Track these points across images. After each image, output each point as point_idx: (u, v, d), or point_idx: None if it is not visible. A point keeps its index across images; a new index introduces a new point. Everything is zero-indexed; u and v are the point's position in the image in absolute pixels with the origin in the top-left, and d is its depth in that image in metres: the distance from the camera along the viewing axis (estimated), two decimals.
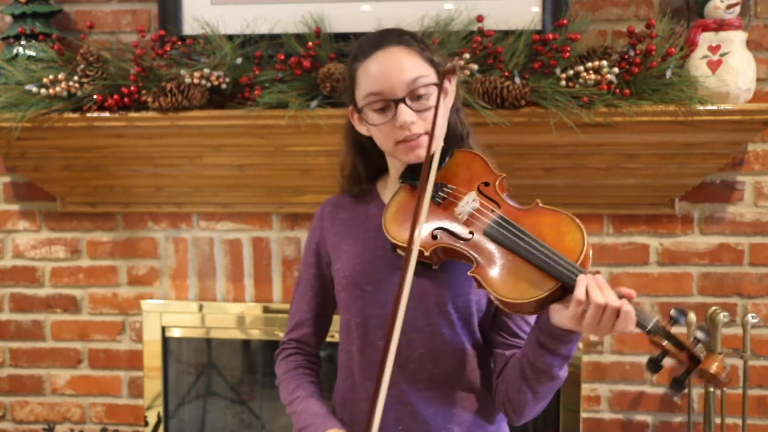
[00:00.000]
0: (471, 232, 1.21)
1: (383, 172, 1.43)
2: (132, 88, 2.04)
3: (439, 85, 1.26)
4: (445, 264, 1.26)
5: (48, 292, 2.37)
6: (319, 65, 1.98)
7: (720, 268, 2.13)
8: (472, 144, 1.39)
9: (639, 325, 1.09)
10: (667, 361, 1.10)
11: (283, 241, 2.25)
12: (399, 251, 1.28)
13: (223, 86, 2.02)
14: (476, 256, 1.18)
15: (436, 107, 1.23)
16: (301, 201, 2.18)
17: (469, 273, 1.17)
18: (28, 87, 2.04)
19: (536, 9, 2.02)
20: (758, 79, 1.98)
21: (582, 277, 1.08)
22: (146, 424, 2.32)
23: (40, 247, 2.36)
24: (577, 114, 1.87)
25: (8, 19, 2.21)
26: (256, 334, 2.29)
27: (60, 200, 2.30)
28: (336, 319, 1.46)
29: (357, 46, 1.33)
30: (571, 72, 1.89)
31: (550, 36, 1.93)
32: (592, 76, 1.87)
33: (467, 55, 1.92)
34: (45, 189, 2.28)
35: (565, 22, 1.94)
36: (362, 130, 1.34)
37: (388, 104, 1.26)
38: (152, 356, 2.31)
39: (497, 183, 1.28)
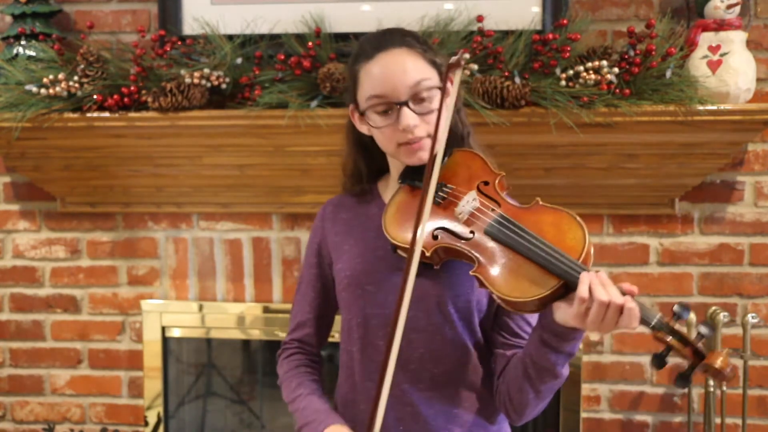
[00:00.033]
0: (472, 232, 1.21)
1: (385, 172, 1.43)
2: (132, 88, 2.04)
3: (442, 89, 1.26)
4: (445, 264, 1.26)
5: (48, 292, 2.37)
6: (319, 65, 1.98)
7: (720, 268, 2.13)
8: (472, 144, 1.39)
9: (643, 321, 1.09)
10: (672, 358, 1.10)
11: (283, 241, 2.25)
12: (399, 252, 1.28)
13: (223, 86, 2.02)
14: (478, 255, 1.18)
15: (440, 110, 1.22)
16: (301, 201, 2.18)
17: (471, 272, 1.17)
18: (28, 87, 2.04)
19: (536, 9, 2.02)
20: (758, 79, 1.98)
21: (585, 275, 1.09)
22: (146, 424, 2.32)
23: (40, 247, 2.36)
24: (577, 114, 1.87)
25: (8, 19, 2.21)
26: (256, 334, 2.29)
27: (60, 200, 2.30)
28: (337, 320, 1.46)
29: (359, 46, 1.33)
30: (571, 72, 1.89)
31: (550, 36, 1.93)
32: (592, 76, 1.87)
33: (467, 55, 1.92)
34: (45, 189, 2.28)
35: (565, 22, 1.94)
36: (363, 129, 1.34)
37: (390, 107, 1.25)
38: (152, 356, 2.31)
39: (497, 182, 1.28)
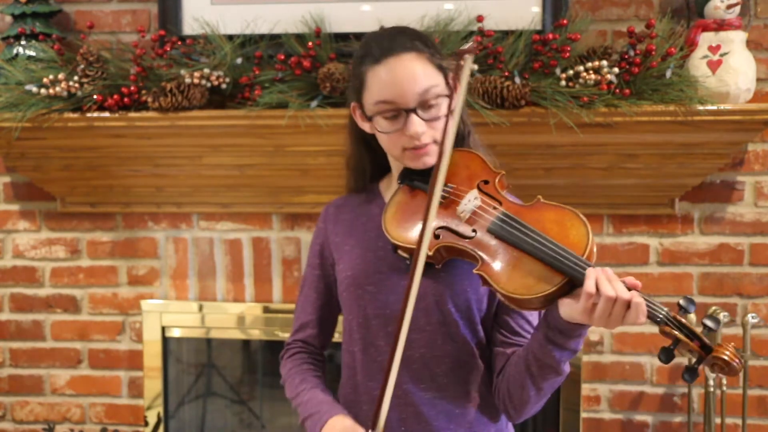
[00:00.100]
0: (474, 230, 1.21)
1: (386, 170, 1.43)
2: (132, 88, 2.04)
3: (450, 96, 1.25)
4: (444, 263, 1.26)
5: (48, 292, 2.37)
6: (319, 65, 1.98)
7: (720, 268, 2.13)
8: (471, 143, 1.38)
9: (650, 316, 1.09)
10: (678, 352, 1.10)
11: (283, 241, 2.25)
12: (400, 252, 1.28)
13: (223, 86, 2.02)
14: (481, 253, 1.18)
15: (448, 114, 1.21)
16: (301, 201, 2.18)
17: (474, 271, 1.18)
18: (28, 87, 2.04)
19: (536, 9, 2.02)
20: (758, 79, 1.98)
21: (591, 270, 1.09)
22: (146, 424, 2.32)
23: (40, 247, 2.36)
24: (577, 114, 1.87)
25: (8, 19, 2.21)
26: (256, 334, 2.29)
27: (60, 200, 2.30)
28: (339, 320, 1.46)
29: (365, 46, 1.31)
30: (571, 72, 1.89)
31: (550, 36, 1.93)
32: (592, 76, 1.87)
33: (467, 55, 1.92)
34: (45, 189, 2.28)
35: (565, 22, 1.94)
36: (365, 127, 1.34)
37: (398, 112, 1.25)
38: (152, 356, 2.31)
39: (497, 180, 1.28)
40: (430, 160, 1.28)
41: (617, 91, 1.89)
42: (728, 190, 2.10)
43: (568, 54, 1.91)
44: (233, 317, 2.27)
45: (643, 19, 2.02)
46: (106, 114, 2.05)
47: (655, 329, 1.13)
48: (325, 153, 2.05)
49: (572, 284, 1.12)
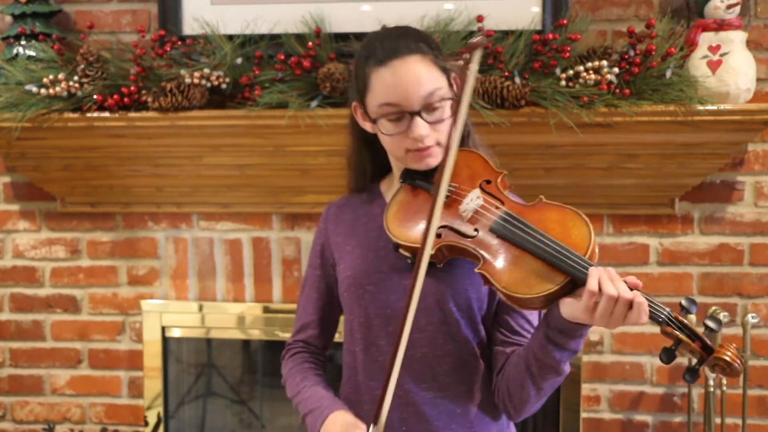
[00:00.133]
0: (476, 229, 1.22)
1: (387, 169, 1.43)
2: (132, 88, 2.04)
3: (456, 99, 1.25)
4: (445, 262, 1.26)
5: (48, 292, 2.37)
6: (319, 65, 1.98)
7: (720, 268, 2.13)
8: (470, 143, 1.38)
9: (652, 316, 1.09)
10: (680, 352, 1.09)
11: (283, 241, 2.25)
12: (401, 251, 1.28)
13: (223, 86, 2.02)
14: (482, 253, 1.18)
15: (454, 115, 1.21)
16: (301, 201, 2.18)
17: (476, 270, 1.18)
18: (28, 87, 2.04)
19: (536, 9, 2.02)
20: (758, 79, 1.98)
21: (594, 269, 1.09)
22: (146, 424, 2.32)
23: (40, 247, 2.36)
24: (577, 114, 1.87)
25: (8, 19, 2.21)
26: (256, 334, 2.29)
27: (60, 200, 2.30)
28: (341, 320, 1.46)
29: (369, 46, 1.30)
30: (571, 72, 1.89)
31: (550, 36, 1.93)
32: (592, 76, 1.87)
33: (467, 55, 1.92)
34: (45, 189, 2.28)
35: (565, 22, 1.94)
36: (366, 126, 1.34)
37: (402, 115, 1.25)
38: (152, 356, 2.31)
39: (499, 180, 1.28)
40: (433, 161, 1.28)
41: (617, 91, 1.89)
42: (728, 190, 2.10)
43: (568, 54, 1.91)
44: (233, 317, 2.27)
45: (643, 19, 2.02)
46: (106, 114, 2.05)
47: (655, 329, 1.13)
48: (325, 153, 2.05)
49: (574, 284, 1.12)
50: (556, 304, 1.14)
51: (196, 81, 1.99)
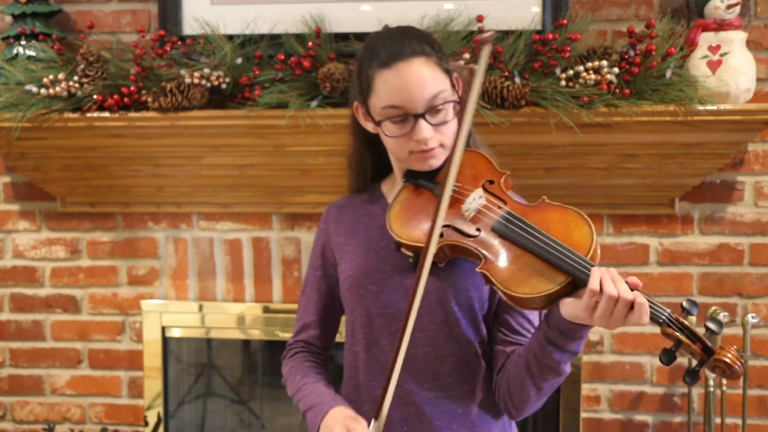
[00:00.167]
0: (478, 229, 1.22)
1: (388, 170, 1.43)
2: (132, 88, 2.04)
3: (460, 102, 1.24)
4: (447, 262, 1.27)
5: (48, 292, 2.37)
6: (319, 65, 1.98)
7: (720, 268, 2.13)
8: (472, 144, 1.39)
9: (653, 317, 1.08)
10: (680, 353, 1.09)
11: (283, 241, 2.25)
12: (403, 250, 1.28)
13: (223, 86, 2.02)
14: (484, 252, 1.19)
15: (461, 115, 1.20)
16: (301, 201, 2.18)
17: (477, 269, 1.18)
18: (28, 87, 2.04)
19: (536, 9, 2.02)
20: (758, 79, 1.98)
21: (596, 269, 1.09)
22: (146, 424, 2.32)
23: (40, 247, 2.36)
24: (577, 114, 1.87)
25: (8, 19, 2.21)
26: (256, 334, 2.29)
27: (60, 200, 2.30)
28: (343, 321, 1.46)
29: (372, 47, 1.29)
30: (571, 72, 1.89)
31: (550, 36, 1.93)
32: (592, 76, 1.87)
33: (467, 55, 1.92)
34: (45, 189, 2.28)
35: (565, 22, 1.94)
36: (368, 126, 1.34)
37: (406, 117, 1.25)
38: (152, 356, 2.31)
39: (502, 180, 1.28)
40: (436, 162, 1.28)
41: (617, 91, 1.89)
42: (728, 190, 2.10)
43: (568, 54, 1.91)
44: (233, 317, 2.27)
45: (643, 19, 2.02)
46: (106, 114, 2.05)
47: (655, 329, 1.12)
48: (325, 153, 2.05)
49: (575, 284, 1.12)
50: (557, 304, 1.14)
51: (196, 81, 1.99)
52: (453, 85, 1.29)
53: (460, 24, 1.98)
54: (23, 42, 2.13)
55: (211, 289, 2.29)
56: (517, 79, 1.90)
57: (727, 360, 1.06)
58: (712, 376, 2.03)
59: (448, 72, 1.28)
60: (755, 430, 2.15)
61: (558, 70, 1.91)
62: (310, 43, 1.99)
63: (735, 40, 1.91)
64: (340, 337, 1.48)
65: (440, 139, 1.27)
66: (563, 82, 1.89)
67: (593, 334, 2.18)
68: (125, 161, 2.16)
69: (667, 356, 1.09)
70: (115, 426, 2.38)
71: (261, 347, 2.43)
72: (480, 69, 1.17)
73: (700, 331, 1.09)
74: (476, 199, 1.25)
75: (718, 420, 2.08)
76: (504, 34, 1.96)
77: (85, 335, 2.37)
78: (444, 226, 1.24)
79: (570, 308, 1.12)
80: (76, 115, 2.06)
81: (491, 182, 1.28)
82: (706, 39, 1.93)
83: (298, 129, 1.98)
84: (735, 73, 1.89)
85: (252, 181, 2.16)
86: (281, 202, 2.20)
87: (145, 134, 2.08)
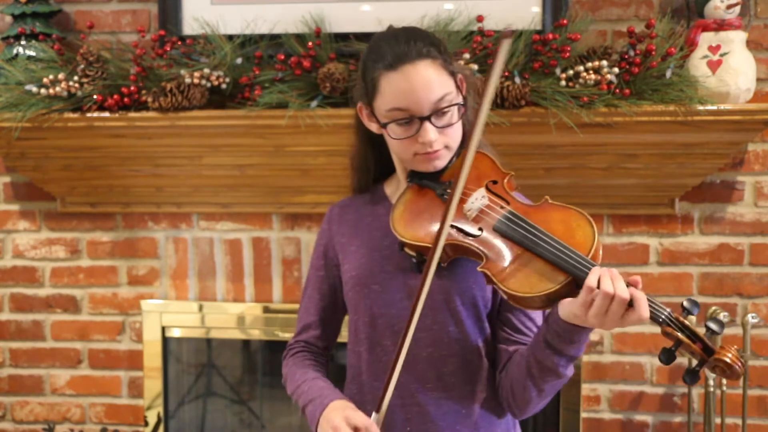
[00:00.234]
0: (480, 229, 1.22)
1: (389, 171, 1.43)
2: (132, 88, 2.04)
3: (464, 104, 1.24)
4: (450, 261, 1.27)
5: (48, 292, 2.37)
6: (319, 65, 1.98)
7: (720, 268, 2.13)
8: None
9: (652, 316, 1.08)
10: (680, 353, 1.09)
11: (283, 241, 2.25)
12: (407, 249, 1.28)
13: (223, 86, 2.02)
14: (486, 251, 1.19)
15: (476, 116, 1.20)
16: (301, 201, 2.18)
17: (478, 268, 1.18)
18: (28, 87, 2.04)
19: (536, 9, 2.02)
20: (758, 79, 1.98)
21: (596, 269, 1.09)
22: (146, 424, 2.32)
23: (40, 247, 2.36)
24: (577, 114, 1.87)
25: (8, 19, 2.21)
26: (256, 334, 2.29)
27: (60, 200, 2.30)
28: (345, 321, 1.46)
29: (376, 48, 1.29)
30: (571, 72, 1.89)
31: (550, 36, 1.93)
32: (592, 76, 1.87)
33: (467, 55, 1.92)
34: (45, 189, 2.28)
35: (565, 22, 1.94)
36: (372, 127, 1.34)
37: (412, 120, 1.25)
38: (152, 356, 2.31)
39: (505, 181, 1.28)
40: (440, 163, 1.28)
41: (617, 91, 1.89)
42: (728, 190, 2.10)
43: (568, 54, 1.91)
44: (233, 317, 2.27)
45: (643, 19, 2.02)
46: (106, 114, 2.05)
47: (655, 329, 1.12)
48: (325, 153, 2.05)
49: (576, 284, 1.12)
50: (557, 306, 1.14)
51: (196, 81, 1.99)
52: (458, 87, 1.28)
53: (460, 24, 1.98)
54: (23, 42, 2.13)
55: (211, 289, 2.29)
56: (517, 79, 1.90)
57: (728, 360, 1.05)
58: (712, 376, 2.03)
59: (453, 74, 1.28)
60: (755, 430, 2.15)
61: (558, 70, 1.91)
62: (310, 43, 1.99)
63: (735, 40, 1.91)
64: (341, 338, 1.48)
65: (445, 141, 1.27)
66: (563, 82, 1.89)
67: (593, 334, 2.17)
68: (125, 161, 2.16)
69: (667, 355, 1.09)
70: (115, 426, 2.38)
71: (261, 347, 2.43)
72: (497, 64, 1.16)
73: (701, 330, 1.09)
74: (479, 198, 1.26)
75: (718, 420, 2.08)
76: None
77: (85, 335, 2.37)
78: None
79: (568, 307, 1.12)
80: (76, 115, 2.06)
81: (495, 182, 1.29)
82: (706, 39, 1.93)
83: (298, 129, 1.98)
84: (735, 73, 1.89)
85: (252, 181, 2.16)
86: (281, 202, 2.20)
87: (145, 134, 2.08)
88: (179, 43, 2.07)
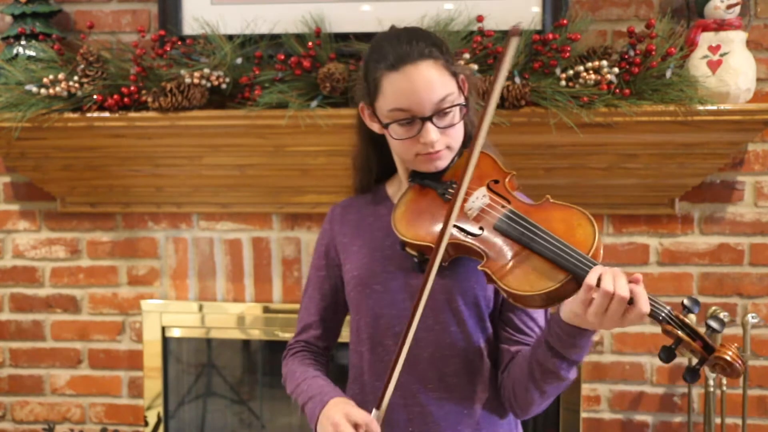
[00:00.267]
0: (481, 228, 1.22)
1: (392, 173, 1.43)
2: (132, 88, 2.04)
3: (466, 105, 1.24)
4: (452, 260, 1.27)
5: (48, 292, 2.37)
6: (319, 65, 1.98)
7: (720, 268, 2.13)
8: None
9: (652, 314, 1.08)
10: (680, 351, 1.09)
11: (283, 241, 2.25)
12: (408, 249, 1.28)
13: (223, 86, 2.02)
14: (486, 250, 1.19)
15: (482, 116, 1.20)
16: (301, 201, 2.18)
17: (479, 267, 1.18)
18: (28, 87, 2.04)
19: (536, 9, 2.02)
20: (758, 79, 1.98)
21: (597, 267, 1.09)
22: (146, 424, 2.32)
23: (40, 247, 2.36)
24: (577, 114, 1.87)
25: (8, 19, 2.21)
26: (256, 334, 2.29)
27: (60, 200, 2.30)
28: (347, 321, 1.46)
29: (379, 48, 1.29)
30: (571, 72, 1.89)
31: (550, 36, 1.93)
32: (592, 76, 1.87)
33: (467, 55, 1.92)
34: (45, 189, 2.28)
35: (565, 22, 1.94)
36: (374, 127, 1.34)
37: (413, 120, 1.25)
38: (152, 356, 2.31)
39: (507, 180, 1.29)
40: (442, 163, 1.29)
41: (617, 91, 1.89)
42: (728, 190, 2.10)
43: (568, 54, 1.91)
44: (233, 317, 2.27)
45: (643, 19, 2.02)
46: (106, 114, 2.05)
47: (655, 329, 1.13)
48: (325, 153, 2.05)
49: (577, 283, 1.11)
50: (560, 308, 1.14)
51: (196, 81, 1.99)
52: (460, 88, 1.28)
53: (460, 24, 1.98)
54: (23, 42, 2.13)
55: (211, 289, 2.29)
56: (517, 79, 1.90)
57: (728, 358, 1.05)
58: (712, 375, 2.03)
59: (455, 74, 1.28)
60: (755, 430, 2.15)
61: (558, 70, 1.91)
62: (310, 43, 1.99)
63: (735, 40, 1.91)
64: (342, 338, 1.48)
65: (447, 141, 1.27)
66: (563, 82, 1.89)
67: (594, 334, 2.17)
68: (125, 161, 2.16)
69: (667, 353, 1.08)
70: (115, 426, 2.38)
71: (261, 347, 2.43)
72: (506, 61, 1.16)
73: (701, 329, 1.09)
74: (480, 198, 1.26)
75: (718, 420, 2.08)
76: (504, 34, 1.96)
77: (85, 335, 2.37)
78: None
79: (568, 306, 1.12)
80: (76, 115, 2.06)
81: (496, 182, 1.29)
82: (706, 39, 1.93)
83: (298, 129, 1.98)
84: (735, 73, 1.89)
85: (252, 181, 2.16)
86: (281, 202, 2.20)
87: (145, 134, 2.08)
88: (179, 43, 2.07)
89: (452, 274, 1.28)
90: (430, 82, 1.23)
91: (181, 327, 2.31)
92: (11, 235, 2.37)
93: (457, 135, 1.28)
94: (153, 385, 2.31)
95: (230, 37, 2.05)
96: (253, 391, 2.47)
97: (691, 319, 1.12)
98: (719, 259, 2.12)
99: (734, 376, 1.07)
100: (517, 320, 1.31)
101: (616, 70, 1.88)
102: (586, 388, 2.18)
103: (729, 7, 1.91)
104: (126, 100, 2.04)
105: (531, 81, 1.91)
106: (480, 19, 1.96)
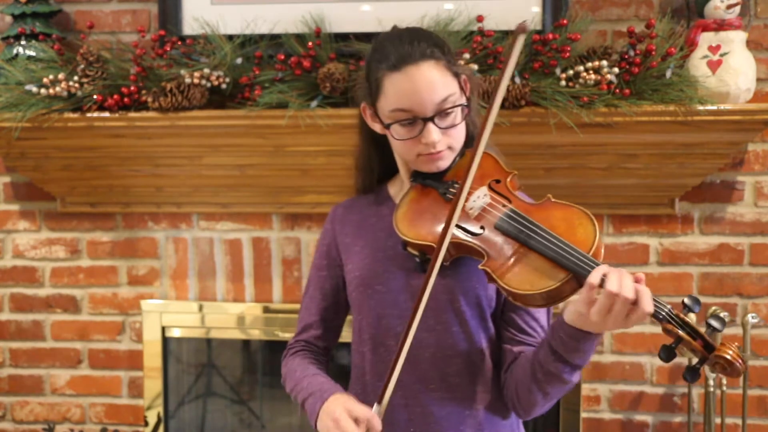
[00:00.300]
0: (482, 227, 1.22)
1: (394, 173, 1.43)
2: (132, 88, 2.04)
3: (467, 106, 1.24)
4: (453, 260, 1.27)
5: (48, 292, 2.37)
6: (319, 65, 1.98)
7: (720, 268, 2.13)
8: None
9: (653, 313, 1.07)
10: (680, 351, 1.09)
11: (283, 241, 2.25)
12: (410, 249, 1.28)
13: (223, 86, 2.02)
14: (487, 250, 1.19)
15: (487, 115, 1.20)
16: (301, 201, 2.18)
17: (480, 266, 1.18)
18: (28, 87, 2.04)
19: (536, 9, 2.02)
20: (758, 79, 1.98)
21: (601, 267, 1.08)
22: (146, 424, 2.32)
23: (40, 247, 2.36)
24: (577, 114, 1.87)
25: (8, 19, 2.21)
26: (256, 334, 2.29)
27: (60, 200, 2.30)
28: (349, 321, 1.46)
29: (380, 48, 1.29)
30: (571, 72, 1.89)
31: (550, 36, 1.93)
32: (592, 76, 1.87)
33: (467, 55, 1.92)
34: (45, 189, 2.28)
35: (565, 22, 1.94)
36: (375, 127, 1.34)
37: (415, 120, 1.25)
38: (152, 356, 2.31)
39: (508, 180, 1.29)
40: (443, 164, 1.29)
41: (617, 91, 1.89)
42: (728, 190, 2.10)
43: (568, 54, 1.91)
44: (233, 317, 2.27)
45: (643, 19, 2.02)
46: (106, 114, 2.05)
47: (655, 329, 1.13)
48: (325, 153, 2.05)
49: (577, 282, 1.11)
50: (564, 310, 1.14)
51: (196, 81, 1.99)
52: (461, 88, 1.28)
53: (460, 24, 1.98)
54: (23, 42, 2.13)
55: (211, 289, 2.29)
56: (517, 79, 1.90)
57: (729, 357, 1.05)
58: (712, 375, 2.03)
59: (456, 75, 1.28)
60: (755, 430, 2.15)
61: (558, 70, 1.91)
62: (310, 43, 1.99)
63: (735, 40, 1.91)
64: (343, 338, 1.47)
65: (448, 141, 1.27)
66: (563, 82, 1.89)
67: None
68: (125, 161, 2.16)
69: (667, 352, 1.08)
70: (115, 426, 2.38)
71: (261, 347, 2.43)
72: (512, 59, 1.16)
73: (702, 328, 1.09)
74: (481, 197, 1.26)
75: (718, 420, 2.08)
76: (504, 34, 1.96)
77: (85, 335, 2.37)
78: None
79: (572, 306, 1.12)
80: (76, 115, 2.06)
81: (497, 181, 1.29)
82: (706, 39, 1.93)
83: (298, 129, 1.98)
84: (735, 73, 1.89)
85: (252, 181, 2.16)
86: (281, 202, 2.20)
87: (145, 134, 2.08)
88: (179, 43, 2.07)
89: (454, 274, 1.28)
90: (432, 82, 1.23)
91: (181, 327, 2.31)
92: (11, 235, 2.37)
93: (458, 135, 1.28)
94: (153, 385, 2.31)
95: (230, 37, 2.05)
96: (253, 391, 2.47)
97: (692, 318, 1.12)
98: (719, 259, 2.12)
99: (735, 375, 1.07)
100: (519, 320, 1.31)
101: (616, 70, 1.88)
102: (586, 388, 2.18)
103: (729, 7, 1.91)
104: (126, 100, 2.04)
105: (531, 81, 1.91)
106: (480, 19, 1.96)
